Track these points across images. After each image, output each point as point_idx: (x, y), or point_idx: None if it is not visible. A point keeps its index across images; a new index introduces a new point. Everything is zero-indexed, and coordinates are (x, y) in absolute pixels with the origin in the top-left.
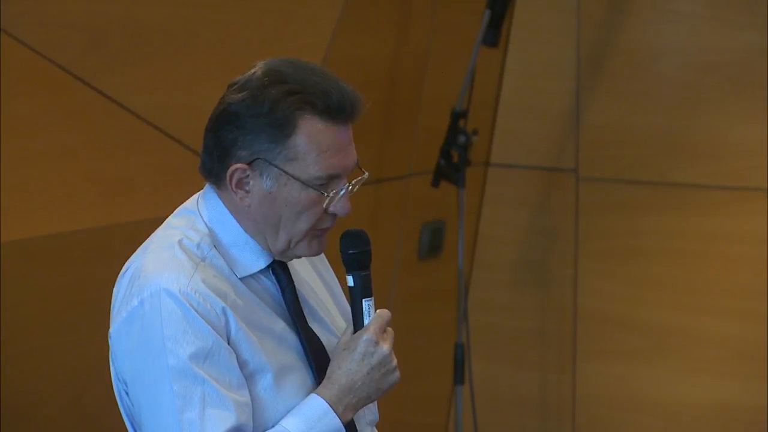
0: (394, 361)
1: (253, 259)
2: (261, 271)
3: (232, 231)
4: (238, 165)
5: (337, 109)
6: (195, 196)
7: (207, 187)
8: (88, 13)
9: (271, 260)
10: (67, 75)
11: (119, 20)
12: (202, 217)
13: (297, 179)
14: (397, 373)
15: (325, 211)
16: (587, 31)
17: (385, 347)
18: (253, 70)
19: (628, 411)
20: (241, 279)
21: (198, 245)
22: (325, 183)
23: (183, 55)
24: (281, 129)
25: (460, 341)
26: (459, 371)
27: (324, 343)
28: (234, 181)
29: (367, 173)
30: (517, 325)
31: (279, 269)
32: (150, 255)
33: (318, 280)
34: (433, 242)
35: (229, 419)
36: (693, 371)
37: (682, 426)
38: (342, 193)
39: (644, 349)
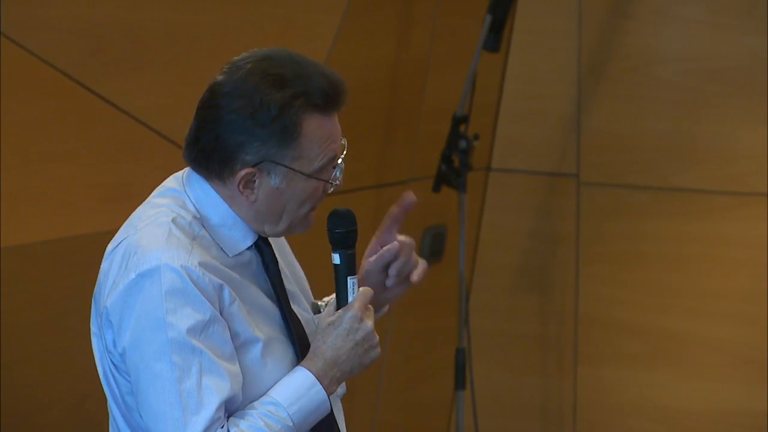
0: (377, 338)
1: (240, 238)
2: (246, 248)
3: (221, 213)
4: (247, 170)
5: (333, 101)
6: (176, 177)
7: (191, 171)
8: (89, 18)
9: (257, 238)
10: (68, 80)
11: (120, 25)
12: (189, 198)
13: (303, 174)
14: (378, 349)
15: (323, 191)
16: (588, 36)
17: (369, 323)
18: (239, 72)
19: (629, 416)
20: (230, 256)
21: (189, 224)
22: (326, 168)
23: (184, 60)
24: (289, 133)
25: (461, 346)
26: (460, 376)
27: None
28: (242, 183)
29: (345, 139)
30: (518, 330)
31: (263, 245)
32: (144, 231)
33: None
34: (434, 247)
35: (225, 389)
36: (694, 376)
37: (682, 430)
38: (339, 174)
39: (645, 353)
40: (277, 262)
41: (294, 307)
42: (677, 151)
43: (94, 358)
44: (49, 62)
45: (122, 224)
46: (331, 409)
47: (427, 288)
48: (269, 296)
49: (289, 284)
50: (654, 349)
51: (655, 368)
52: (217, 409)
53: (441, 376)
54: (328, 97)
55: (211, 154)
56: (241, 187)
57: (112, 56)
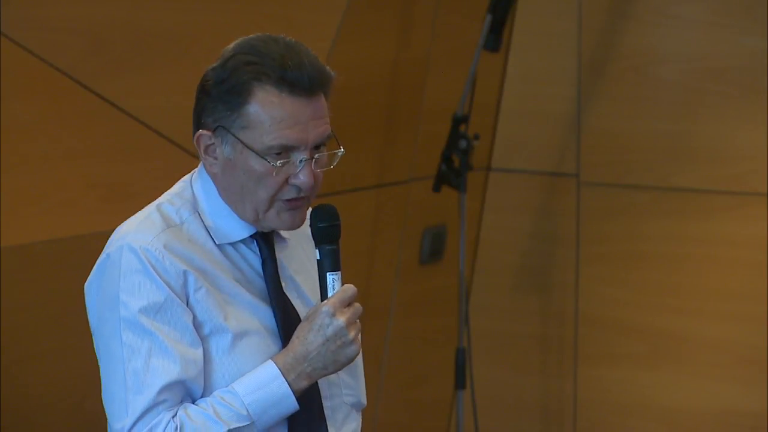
0: (351, 335)
1: (235, 228)
2: (244, 241)
3: (217, 200)
4: (203, 132)
5: (293, 80)
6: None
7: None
8: (89, 18)
9: (254, 231)
10: (68, 79)
11: (120, 25)
12: (192, 184)
13: (250, 148)
14: (355, 346)
15: (286, 181)
16: (588, 36)
17: (341, 320)
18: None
19: (629, 416)
20: (219, 245)
21: (178, 210)
22: (280, 153)
23: (184, 59)
24: (236, 97)
25: (461, 346)
26: (460, 376)
27: (301, 316)
28: (202, 146)
29: (342, 149)
30: (518, 329)
31: (262, 241)
32: (132, 217)
33: (305, 255)
34: (434, 247)
35: (173, 372)
36: (694, 376)
37: (682, 430)
38: (301, 165)
39: (645, 353)
40: (275, 259)
41: (300, 304)
42: (677, 151)
43: (93, 358)
44: (48, 62)
45: (122, 224)
46: (322, 413)
47: (427, 288)
48: (260, 290)
49: (302, 281)
50: (654, 349)
51: (655, 368)
52: (161, 392)
53: (441, 376)
54: (285, 73)
55: (193, 118)
56: (202, 150)
57: (112, 56)
